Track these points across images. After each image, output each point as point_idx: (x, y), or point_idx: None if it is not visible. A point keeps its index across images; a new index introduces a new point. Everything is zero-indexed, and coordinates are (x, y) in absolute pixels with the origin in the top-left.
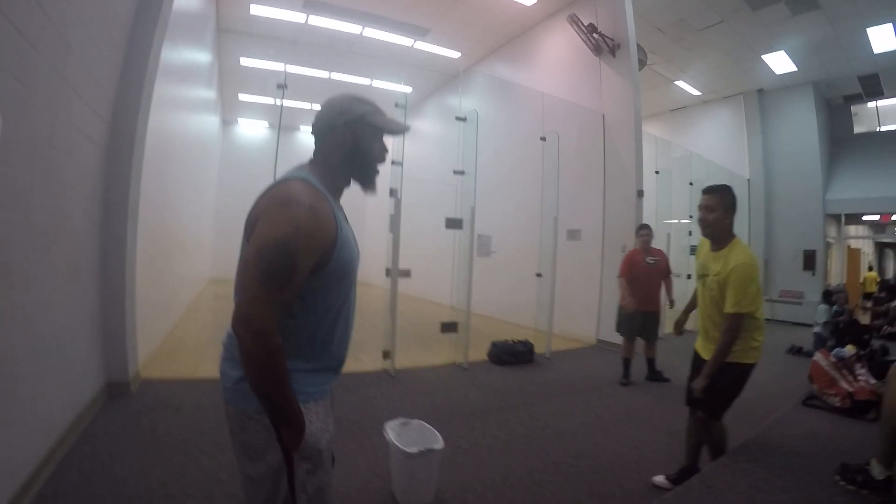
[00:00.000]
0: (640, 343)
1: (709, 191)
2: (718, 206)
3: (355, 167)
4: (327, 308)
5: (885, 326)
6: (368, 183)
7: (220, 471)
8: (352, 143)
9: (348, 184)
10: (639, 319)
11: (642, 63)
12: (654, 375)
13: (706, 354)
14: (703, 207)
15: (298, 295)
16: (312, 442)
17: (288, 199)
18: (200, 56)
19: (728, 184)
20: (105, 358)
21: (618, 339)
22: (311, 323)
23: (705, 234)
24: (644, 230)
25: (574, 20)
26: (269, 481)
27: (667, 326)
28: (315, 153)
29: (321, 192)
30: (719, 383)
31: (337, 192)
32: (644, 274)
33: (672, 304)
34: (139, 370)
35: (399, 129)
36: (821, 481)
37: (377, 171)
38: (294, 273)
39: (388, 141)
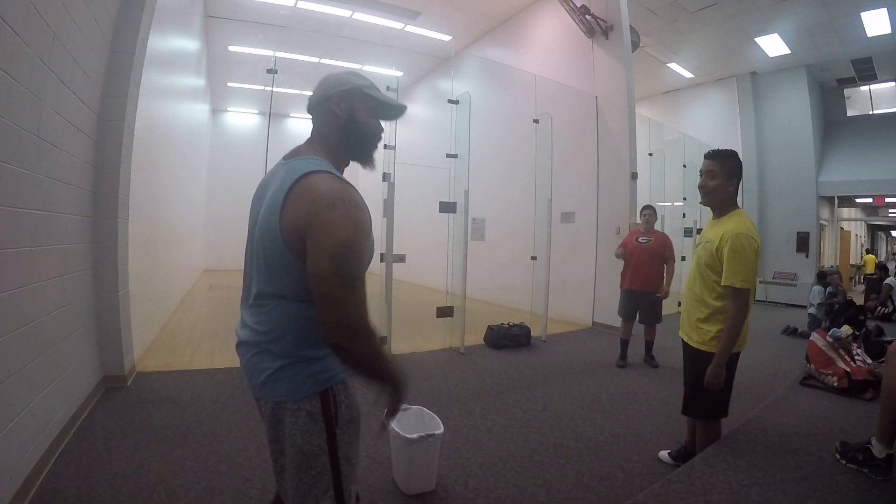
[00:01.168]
0: (641, 326)
1: (711, 155)
2: (720, 173)
3: (352, 140)
4: None
5: (879, 307)
6: (367, 157)
7: (220, 462)
8: (347, 112)
9: (348, 163)
10: (631, 299)
11: (635, 45)
12: (648, 359)
13: (691, 339)
14: (704, 173)
15: None
16: (349, 414)
17: (334, 201)
18: (188, 43)
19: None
20: (100, 352)
21: (614, 321)
22: None
23: (704, 202)
24: (646, 211)
25: (566, 1)
26: (308, 465)
27: (666, 308)
28: (313, 132)
29: (346, 181)
30: (702, 380)
31: (342, 172)
32: (634, 253)
33: (665, 293)
34: (135, 363)
35: (396, 109)
36: (821, 460)
37: (375, 146)
38: (364, 267)
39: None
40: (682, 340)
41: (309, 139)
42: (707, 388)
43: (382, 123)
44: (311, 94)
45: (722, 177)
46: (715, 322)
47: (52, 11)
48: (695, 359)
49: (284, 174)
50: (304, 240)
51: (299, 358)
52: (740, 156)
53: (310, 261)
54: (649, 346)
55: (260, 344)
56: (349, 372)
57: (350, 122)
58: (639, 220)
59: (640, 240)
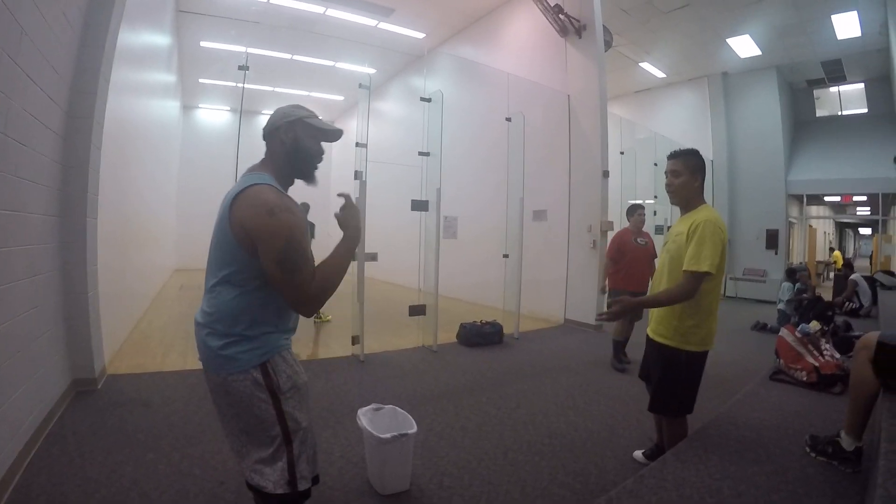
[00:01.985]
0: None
1: (673, 156)
2: (684, 171)
3: (296, 162)
4: None
5: (847, 303)
6: (309, 176)
7: (193, 466)
8: (292, 140)
9: (292, 182)
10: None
11: (608, 44)
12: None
13: (657, 335)
14: (669, 172)
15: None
16: (292, 382)
17: (271, 209)
18: (159, 39)
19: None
20: (70, 355)
21: (586, 318)
22: (278, 295)
23: (673, 202)
24: (640, 210)
25: (540, 0)
26: (260, 428)
27: None
28: (265, 154)
29: (283, 192)
30: (669, 377)
31: (286, 187)
32: (635, 255)
33: None
34: (105, 366)
35: (333, 134)
36: (791, 453)
37: (315, 167)
38: (306, 254)
39: (329, 143)
40: (648, 337)
41: (262, 159)
42: (611, 312)
43: (324, 146)
44: (282, 90)
45: (686, 174)
46: (682, 316)
47: (20, 6)
48: (661, 354)
49: (238, 184)
50: (252, 238)
51: (240, 336)
52: (710, 154)
53: (263, 263)
54: (625, 342)
55: (209, 324)
56: (282, 348)
57: (294, 148)
58: (630, 220)
59: (638, 241)
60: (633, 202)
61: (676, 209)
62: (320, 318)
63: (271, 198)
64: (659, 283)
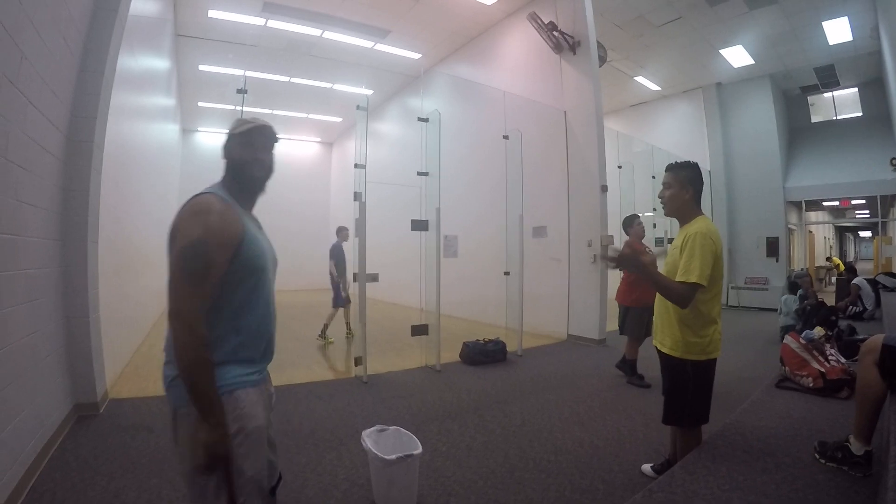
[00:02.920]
0: (619, 338)
1: (667, 169)
2: (674, 183)
3: (237, 175)
4: (242, 301)
5: (850, 307)
6: (252, 184)
7: None
8: (228, 157)
9: (249, 195)
10: (648, 316)
11: (602, 60)
12: (620, 366)
13: (664, 346)
14: (662, 185)
15: (217, 288)
16: (239, 425)
17: (198, 210)
18: (158, 62)
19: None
20: (71, 379)
21: (590, 333)
22: (230, 315)
23: (665, 213)
24: (638, 220)
25: (534, 18)
26: (217, 474)
27: None
28: (223, 173)
29: (228, 201)
30: (677, 387)
31: (247, 202)
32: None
33: None
34: (107, 390)
35: (260, 131)
36: (800, 460)
37: (254, 175)
38: (209, 267)
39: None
40: (656, 349)
41: (221, 178)
42: (610, 256)
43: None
44: (280, 113)
45: (676, 186)
46: (683, 327)
47: (20, 30)
48: (667, 365)
49: None
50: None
51: None
52: (707, 165)
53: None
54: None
55: (167, 349)
56: (244, 384)
57: (230, 164)
58: (631, 230)
59: (647, 250)
60: (629, 214)
61: (676, 221)
62: (324, 339)
63: (206, 201)
64: (663, 301)
